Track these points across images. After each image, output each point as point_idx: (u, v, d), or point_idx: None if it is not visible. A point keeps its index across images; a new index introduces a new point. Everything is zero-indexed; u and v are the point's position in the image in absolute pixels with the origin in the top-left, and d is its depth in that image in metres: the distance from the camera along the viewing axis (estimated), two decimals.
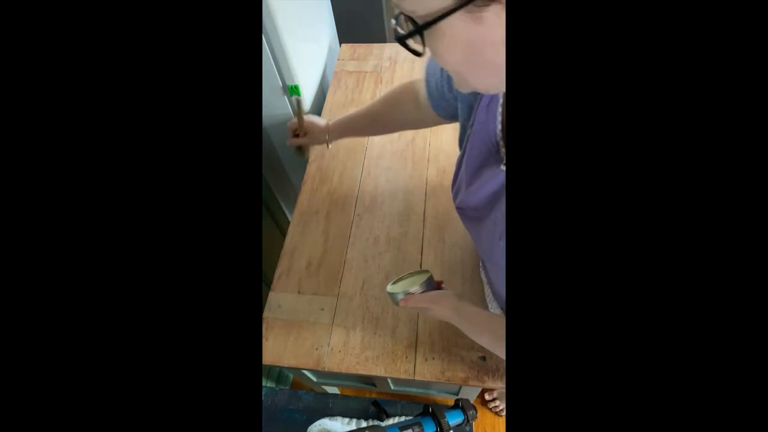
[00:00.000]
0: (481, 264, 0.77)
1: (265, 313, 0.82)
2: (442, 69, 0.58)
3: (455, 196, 0.59)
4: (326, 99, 1.16)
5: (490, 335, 0.58)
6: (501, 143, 0.48)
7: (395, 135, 1.06)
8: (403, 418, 0.76)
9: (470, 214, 0.56)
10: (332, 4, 1.37)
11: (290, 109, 1.13)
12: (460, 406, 0.70)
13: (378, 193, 0.96)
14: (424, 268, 0.84)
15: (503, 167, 0.47)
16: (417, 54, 0.37)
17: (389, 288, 0.65)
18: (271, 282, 0.86)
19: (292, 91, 1.08)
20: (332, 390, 1.17)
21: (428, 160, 1.00)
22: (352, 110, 0.81)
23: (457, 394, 1.05)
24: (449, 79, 0.56)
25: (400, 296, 0.62)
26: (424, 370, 0.73)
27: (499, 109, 0.47)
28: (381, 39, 2.05)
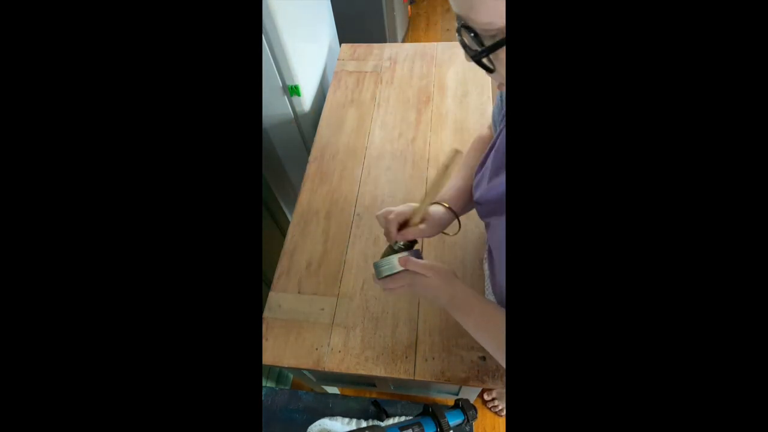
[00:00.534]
0: (486, 258, 0.76)
1: (265, 313, 0.82)
2: (500, 94, 0.55)
3: (474, 190, 0.57)
4: (326, 99, 1.16)
5: (480, 319, 0.53)
6: None
7: (395, 135, 1.06)
8: (403, 418, 0.76)
9: (488, 208, 0.54)
10: (332, 4, 1.38)
11: (290, 109, 1.14)
12: (460, 406, 0.70)
13: (378, 193, 0.96)
14: None
15: None
16: (489, 70, 0.36)
17: (376, 262, 0.57)
18: (271, 282, 0.86)
19: (292, 91, 1.08)
20: (332, 390, 1.17)
21: (428, 160, 1.00)
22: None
23: (457, 394, 1.05)
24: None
25: (383, 263, 0.54)
26: (424, 370, 0.73)
27: None
28: (381, 39, 2.05)
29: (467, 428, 0.79)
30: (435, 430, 0.64)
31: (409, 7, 2.57)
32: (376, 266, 0.56)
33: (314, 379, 1.01)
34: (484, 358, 0.73)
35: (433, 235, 0.60)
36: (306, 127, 1.20)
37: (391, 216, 0.57)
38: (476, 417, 0.70)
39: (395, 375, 0.73)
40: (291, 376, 1.43)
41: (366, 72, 1.22)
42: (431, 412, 0.66)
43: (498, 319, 0.51)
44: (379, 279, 0.56)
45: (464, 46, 0.36)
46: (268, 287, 0.85)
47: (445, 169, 0.48)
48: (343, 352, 0.76)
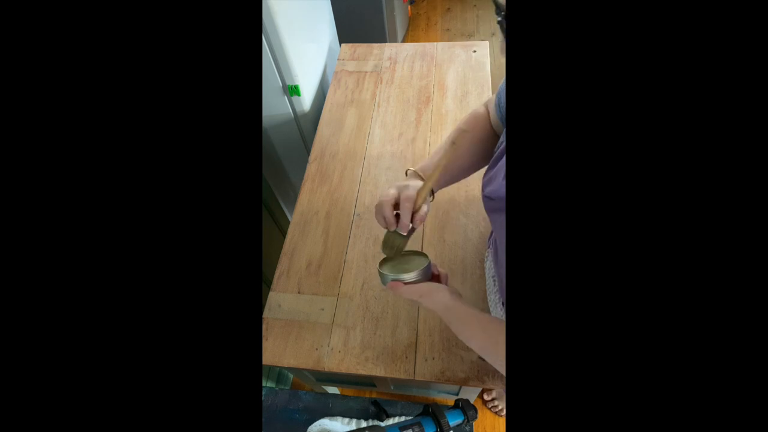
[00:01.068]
0: (490, 256, 0.75)
1: (265, 313, 0.82)
2: None
3: (486, 184, 0.56)
4: (326, 99, 1.16)
5: (483, 338, 0.52)
6: None
7: (395, 135, 1.06)
8: (403, 418, 0.76)
9: (500, 204, 0.53)
10: (332, 4, 1.38)
11: (290, 109, 1.14)
12: (460, 406, 0.70)
13: (378, 192, 0.96)
14: None
15: None
16: None
17: (381, 267, 0.58)
18: (271, 282, 0.86)
19: (292, 91, 1.08)
20: (332, 390, 1.17)
21: None
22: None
23: (457, 394, 1.05)
24: None
25: (390, 278, 0.55)
26: (424, 370, 0.73)
27: None
28: (381, 39, 2.06)
29: (467, 428, 0.79)
30: (435, 430, 0.64)
31: (409, 7, 2.58)
32: (379, 274, 0.56)
33: (314, 379, 1.01)
34: (483, 359, 0.73)
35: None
36: (306, 127, 1.20)
37: (386, 199, 0.56)
38: (476, 417, 0.70)
39: (395, 375, 0.73)
40: (291, 376, 1.43)
41: (366, 72, 1.22)
42: (431, 412, 0.66)
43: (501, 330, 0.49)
44: (396, 280, 0.55)
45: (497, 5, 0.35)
46: (268, 287, 0.85)
47: (453, 145, 0.47)
48: (343, 352, 0.76)
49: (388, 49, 1.27)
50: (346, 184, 0.98)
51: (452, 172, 0.63)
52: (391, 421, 0.75)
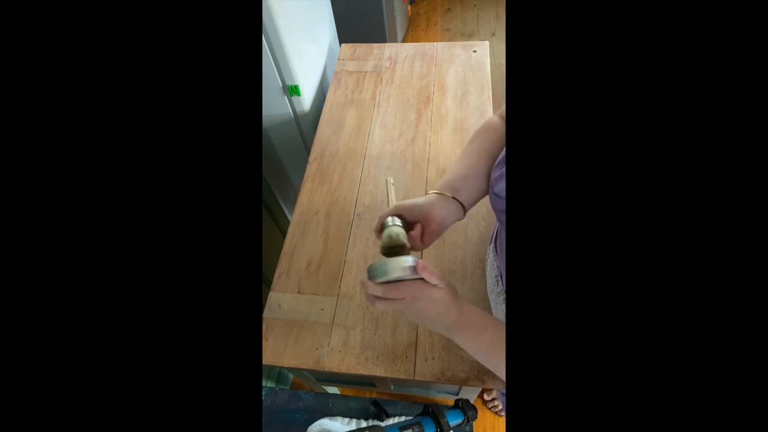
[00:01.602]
0: (492, 255, 0.75)
1: (265, 313, 0.82)
2: None
3: (496, 182, 0.53)
4: (326, 99, 1.16)
5: (497, 335, 0.47)
6: None
7: (395, 135, 1.06)
8: (403, 418, 0.76)
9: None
10: (332, 4, 1.38)
11: (290, 109, 1.14)
12: (459, 406, 0.70)
13: (378, 193, 0.96)
14: None
15: None
16: None
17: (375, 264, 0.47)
18: (271, 282, 0.86)
19: (292, 91, 1.08)
20: (332, 390, 1.17)
21: (428, 160, 1.00)
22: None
23: (457, 394, 1.05)
24: None
25: (403, 262, 0.45)
26: (424, 370, 0.73)
27: None
28: (381, 39, 2.06)
29: (467, 428, 0.79)
30: (435, 430, 0.64)
31: (409, 7, 2.58)
32: (378, 267, 0.45)
33: (314, 379, 1.01)
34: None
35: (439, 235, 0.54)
36: (306, 127, 1.20)
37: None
38: (476, 417, 0.70)
39: (395, 375, 0.73)
40: (291, 376, 1.43)
41: (366, 72, 1.22)
42: (431, 412, 0.66)
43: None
44: (378, 282, 0.46)
45: None
46: (268, 287, 0.85)
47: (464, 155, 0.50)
48: (343, 352, 0.76)
49: (388, 49, 1.27)
50: (346, 184, 0.98)
51: (478, 180, 0.58)
52: (391, 421, 0.75)
